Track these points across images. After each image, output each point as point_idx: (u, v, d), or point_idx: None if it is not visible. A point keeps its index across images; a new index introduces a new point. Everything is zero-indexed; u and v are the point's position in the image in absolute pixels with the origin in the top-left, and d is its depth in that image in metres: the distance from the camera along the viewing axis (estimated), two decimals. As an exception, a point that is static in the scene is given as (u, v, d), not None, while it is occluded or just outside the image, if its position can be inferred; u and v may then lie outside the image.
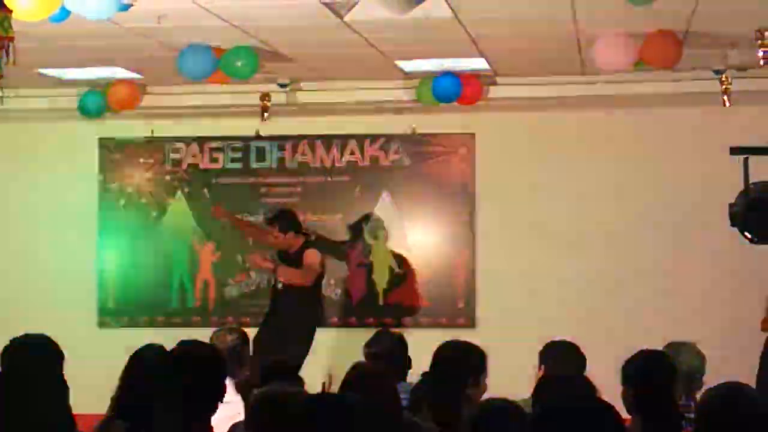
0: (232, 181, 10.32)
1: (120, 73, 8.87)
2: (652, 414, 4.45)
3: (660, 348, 5.16)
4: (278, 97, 9.36)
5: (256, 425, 4.06)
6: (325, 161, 10.23)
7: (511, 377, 5.52)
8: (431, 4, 6.58)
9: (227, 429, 4.65)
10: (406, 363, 6.13)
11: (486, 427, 3.41)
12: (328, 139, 10.22)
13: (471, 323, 9.92)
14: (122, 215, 10.41)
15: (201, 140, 10.37)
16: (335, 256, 9.89)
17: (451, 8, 6.64)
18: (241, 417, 4.62)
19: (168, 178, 10.41)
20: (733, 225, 7.45)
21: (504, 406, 3.48)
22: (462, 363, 4.85)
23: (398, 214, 10.10)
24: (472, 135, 10.04)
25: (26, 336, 4.43)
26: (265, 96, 9.35)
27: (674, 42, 7.31)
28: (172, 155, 10.41)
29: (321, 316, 9.10)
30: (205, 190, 10.32)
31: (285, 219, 8.94)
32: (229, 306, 10.21)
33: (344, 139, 10.20)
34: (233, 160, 10.35)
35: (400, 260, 10.09)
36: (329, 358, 9.48)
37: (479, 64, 8.50)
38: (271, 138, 10.23)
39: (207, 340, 5.49)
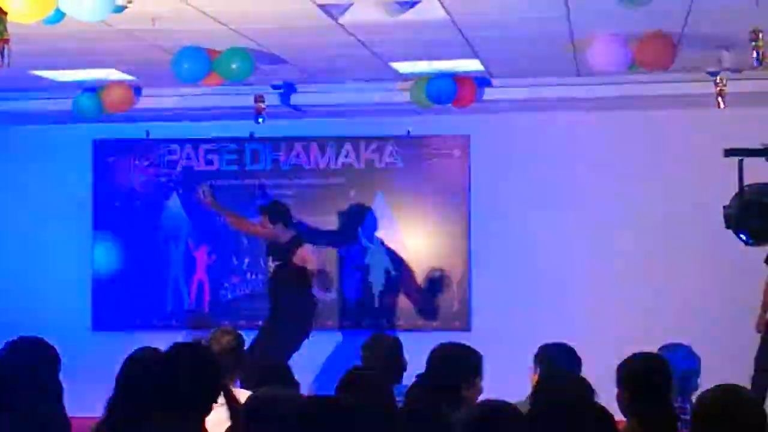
0: (227, 182, 10.31)
1: (114, 74, 8.86)
2: (648, 416, 4.45)
3: (655, 350, 5.16)
4: (273, 99, 9.36)
5: (251, 428, 4.05)
6: (319, 163, 10.23)
7: (506, 380, 5.52)
8: (426, 6, 6.58)
9: (224, 431, 4.64)
10: (402, 366, 6.13)
11: (481, 429, 3.41)
12: (322, 141, 10.22)
13: (466, 326, 9.92)
14: (117, 217, 10.40)
15: (196, 142, 10.37)
16: (330, 245, 9.91)
17: (446, 10, 6.63)
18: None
19: (163, 179, 10.40)
20: (728, 227, 7.47)
21: (499, 406, 3.48)
22: (457, 365, 4.86)
23: (393, 216, 10.10)
24: (467, 137, 10.05)
25: (21, 339, 4.43)
26: (259, 98, 9.35)
27: (668, 44, 7.31)
28: (167, 157, 10.41)
29: (314, 309, 9.04)
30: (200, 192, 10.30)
31: (276, 210, 8.99)
32: (225, 308, 10.20)
33: (339, 140, 10.20)
34: (228, 162, 10.35)
35: (397, 262, 10.09)
36: (324, 360, 9.48)
37: (474, 65, 8.49)
38: (265, 140, 10.23)
39: (202, 342, 5.49)
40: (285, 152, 10.27)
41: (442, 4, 6.48)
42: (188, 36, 7.33)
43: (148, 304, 10.34)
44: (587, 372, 5.16)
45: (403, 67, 8.60)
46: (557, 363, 5.38)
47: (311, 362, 8.95)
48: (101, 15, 5.76)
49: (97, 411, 4.43)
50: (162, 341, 4.46)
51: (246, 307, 10.11)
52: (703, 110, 9.04)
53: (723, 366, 6.32)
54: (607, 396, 4.20)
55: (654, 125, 9.81)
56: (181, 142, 10.38)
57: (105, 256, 10.40)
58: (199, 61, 7.67)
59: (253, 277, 10.16)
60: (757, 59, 6.92)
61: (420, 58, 8.36)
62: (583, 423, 3.12)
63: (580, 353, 5.52)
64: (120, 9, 5.95)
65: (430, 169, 10.09)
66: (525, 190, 9.96)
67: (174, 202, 10.37)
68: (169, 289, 10.32)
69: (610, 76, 8.41)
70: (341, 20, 6.89)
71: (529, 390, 4.95)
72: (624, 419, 4.46)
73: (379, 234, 10.13)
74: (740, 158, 7.28)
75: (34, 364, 4.30)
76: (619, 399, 4.48)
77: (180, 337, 5.56)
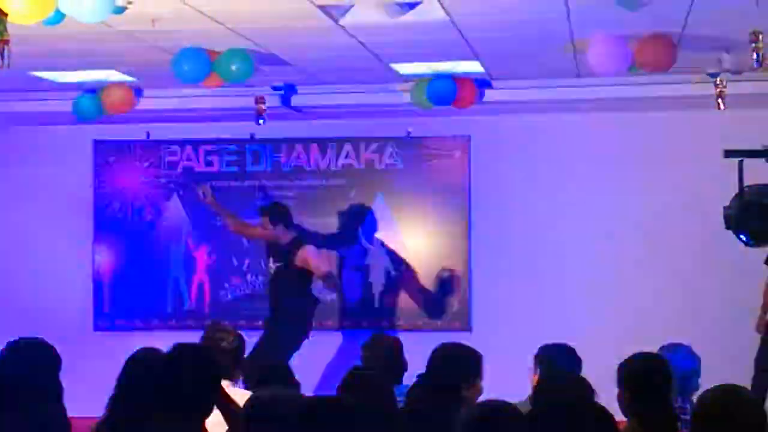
0: (228, 184, 10.32)
1: (114, 75, 8.86)
2: (648, 416, 4.45)
3: (655, 350, 5.17)
4: (273, 100, 9.36)
5: (251, 429, 4.05)
6: (320, 164, 10.24)
7: (506, 380, 5.52)
8: (426, 7, 6.59)
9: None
10: (402, 366, 6.14)
11: (481, 429, 3.41)
12: (323, 142, 10.23)
13: (466, 326, 9.93)
14: (118, 218, 10.41)
15: (196, 143, 10.38)
16: (329, 248, 9.93)
17: (446, 11, 6.64)
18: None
19: (163, 180, 10.41)
20: (728, 228, 7.47)
21: (499, 407, 3.48)
22: (457, 365, 4.86)
23: (393, 217, 10.11)
24: (468, 138, 10.06)
25: (22, 339, 4.43)
26: (260, 99, 9.35)
27: (668, 45, 7.31)
28: (168, 158, 10.41)
29: (314, 309, 9.03)
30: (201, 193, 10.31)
31: (277, 211, 8.98)
32: (225, 309, 10.21)
33: (339, 142, 10.21)
34: (228, 163, 10.36)
35: (397, 263, 10.09)
36: (325, 360, 9.49)
37: (474, 67, 8.50)
38: (266, 141, 10.23)
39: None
40: (285, 153, 10.28)
41: (442, 5, 6.49)
42: (188, 37, 7.33)
43: (149, 305, 10.35)
44: (587, 372, 5.17)
45: (404, 68, 8.60)
46: (557, 363, 5.38)
47: (312, 362, 8.95)
48: (101, 16, 5.76)
49: (98, 411, 4.44)
50: (162, 342, 4.47)
51: (246, 308, 10.11)
52: (704, 111, 9.04)
53: (723, 366, 6.32)
54: (608, 396, 4.20)
55: (654, 126, 9.81)
56: (182, 143, 10.39)
57: (105, 256, 10.41)
58: (199, 63, 7.67)
59: (253, 277, 10.16)
60: (757, 61, 6.93)
61: (420, 60, 8.36)
62: (583, 423, 3.13)
63: (580, 353, 5.52)
64: (120, 10, 5.96)
65: (431, 170, 10.09)
66: (525, 191, 9.97)
67: (174, 203, 10.37)
68: (169, 290, 10.33)
69: (610, 78, 8.41)
70: (342, 21, 6.89)
71: (529, 390, 4.95)
72: (624, 419, 4.47)
73: (380, 234, 10.14)
74: (740, 159, 7.29)
75: (34, 365, 4.31)
76: (620, 399, 4.49)
77: (180, 338, 5.55)
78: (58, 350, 4.39)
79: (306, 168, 10.25)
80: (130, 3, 5.98)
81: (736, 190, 7.36)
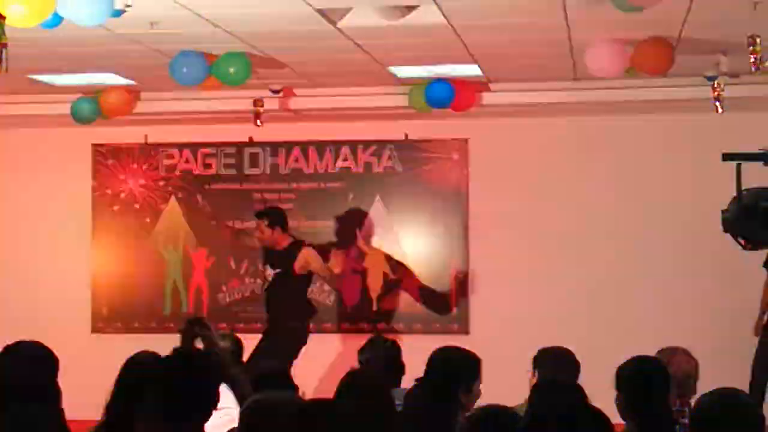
0: (225, 186, 10.33)
1: (113, 79, 8.86)
2: (646, 419, 4.46)
3: (653, 353, 5.17)
4: (271, 103, 9.36)
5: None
6: (318, 167, 10.24)
7: (505, 383, 5.52)
8: (424, 11, 6.60)
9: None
10: (400, 369, 6.13)
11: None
12: (321, 145, 10.23)
13: (464, 329, 9.93)
14: (116, 221, 10.41)
15: (194, 146, 10.38)
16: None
17: (443, 14, 6.64)
18: (236, 424, 4.61)
19: (161, 183, 10.41)
20: (725, 231, 7.47)
21: (498, 412, 3.48)
22: (456, 369, 4.86)
23: (391, 220, 10.11)
24: (465, 141, 10.07)
25: (20, 343, 4.42)
26: (258, 102, 9.35)
27: (666, 48, 7.32)
28: (166, 161, 10.41)
29: (312, 315, 9.02)
30: (199, 196, 10.33)
31: (275, 214, 8.95)
32: (223, 312, 10.21)
33: (337, 145, 10.21)
34: (226, 166, 10.36)
35: (395, 266, 10.09)
36: (323, 363, 9.48)
37: (472, 70, 8.50)
38: (264, 144, 10.24)
39: (200, 346, 5.49)
40: (283, 156, 10.28)
41: (440, 8, 6.50)
42: (186, 40, 7.34)
43: (147, 308, 10.34)
44: (586, 375, 5.17)
45: (402, 71, 8.61)
46: (556, 367, 5.38)
47: (310, 366, 8.94)
48: (99, 19, 5.77)
49: (96, 414, 4.44)
50: (160, 344, 4.47)
51: (244, 311, 10.12)
52: (701, 115, 9.05)
53: (721, 370, 6.33)
54: (605, 399, 4.20)
55: (652, 130, 9.82)
56: (180, 146, 10.39)
57: (104, 259, 10.41)
58: (197, 66, 7.68)
59: (252, 280, 10.16)
60: (755, 64, 6.93)
61: (418, 63, 8.37)
62: (580, 426, 3.13)
63: (578, 356, 5.52)
64: (118, 13, 5.96)
65: (429, 173, 10.10)
66: (523, 193, 9.97)
67: (172, 206, 10.37)
68: (167, 293, 10.32)
69: (608, 81, 8.43)
70: (340, 25, 6.90)
71: (527, 393, 4.95)
72: (622, 422, 4.47)
73: (378, 238, 10.14)
74: (738, 163, 7.28)
75: (32, 368, 4.30)
76: (618, 402, 4.49)
77: (178, 341, 5.55)
78: (56, 353, 4.38)
79: (304, 171, 10.25)
80: (128, 6, 5.98)
81: (734, 194, 7.35)
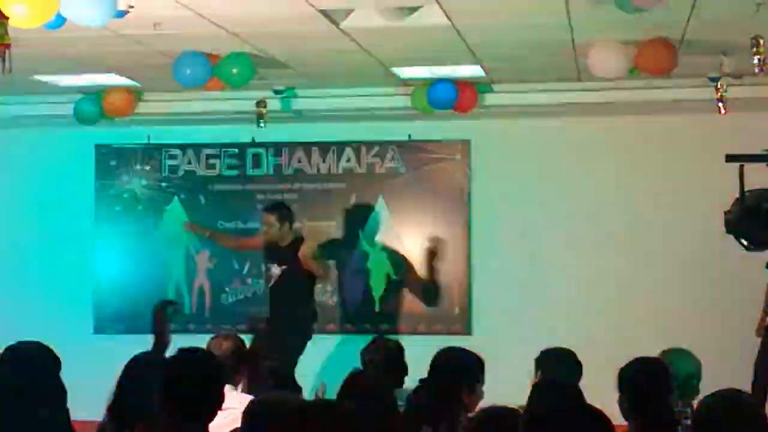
0: (228, 187, 10.33)
1: (116, 79, 8.87)
2: (648, 420, 4.46)
3: (656, 354, 5.17)
4: (274, 104, 9.37)
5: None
6: (321, 168, 10.24)
7: (508, 384, 5.52)
8: (427, 12, 6.60)
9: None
10: (403, 370, 6.14)
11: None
12: (324, 146, 10.23)
13: (467, 330, 9.93)
14: (118, 222, 10.42)
15: (197, 147, 10.38)
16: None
17: (446, 15, 6.64)
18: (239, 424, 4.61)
19: (164, 184, 10.42)
20: (728, 232, 7.47)
21: (503, 414, 3.48)
22: (459, 370, 4.86)
23: (394, 221, 10.11)
24: (468, 142, 10.06)
25: (22, 343, 4.42)
26: (261, 103, 9.36)
27: (669, 49, 7.32)
28: (168, 162, 10.42)
29: (315, 317, 9.01)
30: (201, 197, 10.33)
31: (285, 209, 8.91)
32: (225, 312, 10.21)
33: (340, 145, 10.21)
34: (229, 167, 10.36)
35: (398, 266, 10.08)
36: (326, 364, 9.48)
37: (475, 71, 8.51)
38: (267, 145, 10.24)
39: (204, 347, 5.50)
40: (286, 157, 10.28)
41: (443, 9, 6.50)
42: (189, 41, 7.34)
43: (150, 309, 10.30)
44: (588, 376, 5.17)
45: (405, 72, 8.62)
46: (558, 368, 5.37)
47: (313, 366, 8.95)
48: (102, 20, 5.77)
49: (98, 415, 4.44)
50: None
51: (247, 311, 10.11)
52: (704, 116, 9.05)
53: (724, 371, 6.32)
54: (608, 400, 4.20)
55: (655, 131, 9.81)
56: (183, 147, 10.39)
57: (106, 260, 10.41)
58: (200, 66, 7.68)
59: (254, 281, 10.16)
60: (759, 66, 6.93)
61: (421, 64, 8.38)
62: (581, 427, 3.13)
63: (580, 357, 5.52)
64: (121, 14, 5.97)
65: (431, 174, 10.10)
66: (525, 194, 9.96)
67: (175, 207, 10.37)
68: (170, 293, 10.32)
69: (610, 82, 8.42)
70: (343, 25, 6.90)
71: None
72: (624, 423, 4.47)
73: (380, 238, 10.14)
74: (741, 164, 7.28)
75: (34, 369, 4.30)
76: (620, 403, 4.49)
77: (181, 341, 5.55)
78: (58, 353, 4.38)
79: (307, 172, 10.25)
80: (131, 7, 5.99)
81: (737, 195, 7.35)
